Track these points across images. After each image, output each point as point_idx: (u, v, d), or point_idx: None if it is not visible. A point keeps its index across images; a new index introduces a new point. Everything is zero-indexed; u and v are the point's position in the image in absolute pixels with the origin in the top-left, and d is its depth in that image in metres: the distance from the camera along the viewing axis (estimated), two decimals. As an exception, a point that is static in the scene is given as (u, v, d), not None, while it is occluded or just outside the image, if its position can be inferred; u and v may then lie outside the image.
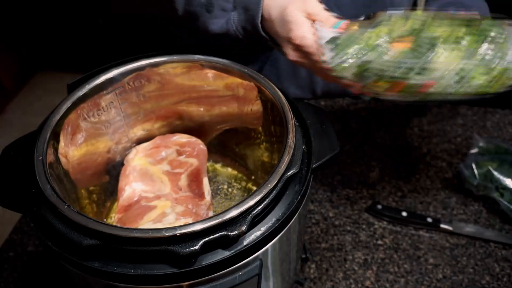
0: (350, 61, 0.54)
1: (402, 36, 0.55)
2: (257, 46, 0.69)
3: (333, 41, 0.55)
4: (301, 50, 0.57)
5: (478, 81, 0.54)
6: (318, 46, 0.56)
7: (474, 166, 0.81)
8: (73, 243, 0.42)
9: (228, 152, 0.73)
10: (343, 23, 0.58)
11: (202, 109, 0.68)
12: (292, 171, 0.47)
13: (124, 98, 0.62)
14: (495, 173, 0.79)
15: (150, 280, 0.41)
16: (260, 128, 0.65)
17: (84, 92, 0.57)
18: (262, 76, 0.59)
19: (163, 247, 0.40)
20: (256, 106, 0.62)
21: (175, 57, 0.62)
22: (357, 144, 0.93)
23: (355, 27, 0.57)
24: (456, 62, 0.54)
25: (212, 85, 0.64)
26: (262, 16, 0.60)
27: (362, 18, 0.60)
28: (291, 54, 0.59)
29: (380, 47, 0.54)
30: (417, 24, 0.56)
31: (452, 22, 0.57)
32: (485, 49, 0.54)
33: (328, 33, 0.58)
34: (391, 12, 0.59)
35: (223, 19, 0.64)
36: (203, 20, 0.66)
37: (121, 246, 0.41)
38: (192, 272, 0.41)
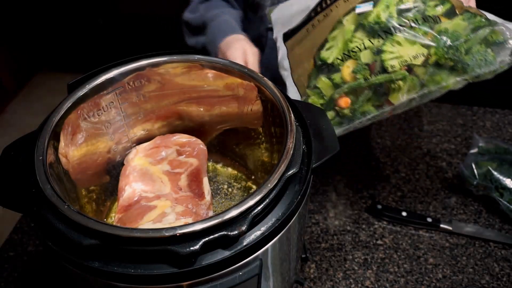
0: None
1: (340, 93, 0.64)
2: None
3: None
4: None
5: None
6: None
7: (474, 166, 0.81)
8: (73, 243, 0.42)
9: (228, 152, 0.73)
10: None
11: (202, 109, 0.68)
12: (292, 171, 0.47)
13: (124, 98, 0.62)
14: (495, 173, 0.79)
15: (150, 280, 0.41)
16: (260, 128, 0.65)
17: (84, 92, 0.57)
18: (262, 76, 0.59)
19: (163, 247, 0.40)
20: (256, 106, 0.62)
21: (175, 57, 0.62)
22: (357, 144, 0.93)
23: None
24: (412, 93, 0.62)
25: (212, 85, 0.64)
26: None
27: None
28: None
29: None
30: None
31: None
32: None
33: None
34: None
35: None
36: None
37: (121, 246, 0.41)
38: (192, 272, 0.41)
